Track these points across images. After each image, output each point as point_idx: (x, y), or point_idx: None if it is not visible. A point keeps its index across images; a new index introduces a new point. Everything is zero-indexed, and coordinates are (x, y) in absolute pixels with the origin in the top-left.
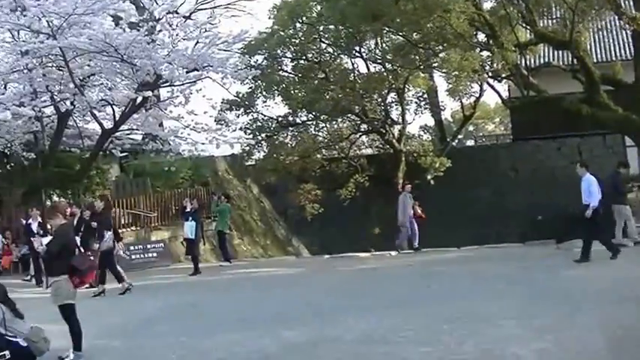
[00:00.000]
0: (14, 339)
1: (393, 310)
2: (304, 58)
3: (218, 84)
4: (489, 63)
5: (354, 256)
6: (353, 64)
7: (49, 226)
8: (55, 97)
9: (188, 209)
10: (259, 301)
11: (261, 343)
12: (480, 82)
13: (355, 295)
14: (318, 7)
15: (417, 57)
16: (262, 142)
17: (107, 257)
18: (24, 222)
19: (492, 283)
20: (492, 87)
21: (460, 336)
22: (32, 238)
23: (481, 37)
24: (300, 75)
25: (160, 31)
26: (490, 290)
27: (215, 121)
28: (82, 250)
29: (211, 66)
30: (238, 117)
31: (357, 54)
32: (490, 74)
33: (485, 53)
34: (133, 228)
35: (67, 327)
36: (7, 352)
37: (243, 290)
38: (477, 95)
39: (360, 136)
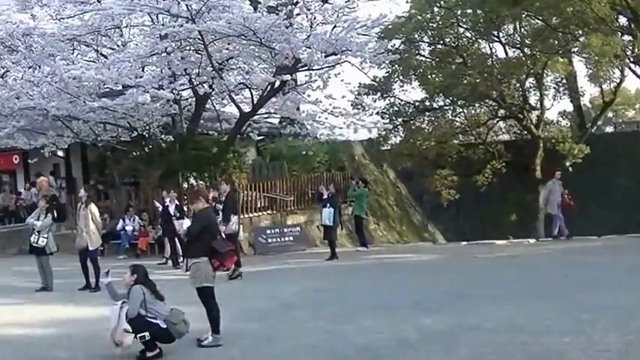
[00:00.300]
0: (154, 320)
1: (533, 299)
2: (442, 42)
3: (357, 68)
4: (631, 48)
5: (491, 244)
6: (491, 49)
7: (185, 209)
8: (193, 80)
9: (325, 196)
10: (397, 287)
11: (400, 329)
12: (621, 68)
13: (494, 283)
14: None
15: (557, 41)
16: (399, 126)
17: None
18: (158, 205)
19: (634, 273)
20: (634, 72)
21: (602, 327)
22: (175, 220)
23: (623, 21)
24: (437, 59)
25: (298, 14)
26: (632, 281)
27: (352, 105)
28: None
29: (350, 50)
30: (375, 101)
31: (495, 38)
32: (632, 59)
33: (627, 38)
34: (269, 212)
35: (204, 309)
36: (146, 334)
37: (381, 276)
38: (618, 81)
39: (498, 121)
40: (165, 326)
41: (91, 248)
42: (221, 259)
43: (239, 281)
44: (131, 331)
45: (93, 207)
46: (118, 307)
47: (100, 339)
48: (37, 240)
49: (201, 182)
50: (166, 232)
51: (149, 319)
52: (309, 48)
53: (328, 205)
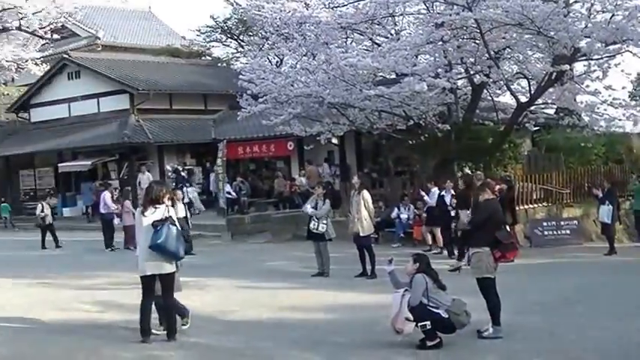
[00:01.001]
0: (436, 310)
1: None
2: None
3: (639, 58)
4: None
5: None
6: None
7: (455, 200)
8: (469, 69)
9: (600, 196)
10: None
11: None
12: None
13: None
14: None
15: None
16: None
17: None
18: (422, 194)
19: None
20: None
21: None
22: (460, 211)
23: None
24: None
25: (576, 2)
26: None
27: (629, 96)
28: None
29: (631, 39)
30: None
31: None
32: None
33: None
34: (545, 204)
35: (484, 300)
36: (428, 322)
37: None
38: None
39: None
40: (446, 316)
41: (362, 234)
42: (503, 251)
43: (517, 273)
44: (412, 319)
45: (366, 194)
46: (400, 294)
47: (378, 326)
48: (317, 226)
49: (479, 172)
50: (440, 221)
51: (431, 308)
52: (588, 37)
53: (607, 202)
